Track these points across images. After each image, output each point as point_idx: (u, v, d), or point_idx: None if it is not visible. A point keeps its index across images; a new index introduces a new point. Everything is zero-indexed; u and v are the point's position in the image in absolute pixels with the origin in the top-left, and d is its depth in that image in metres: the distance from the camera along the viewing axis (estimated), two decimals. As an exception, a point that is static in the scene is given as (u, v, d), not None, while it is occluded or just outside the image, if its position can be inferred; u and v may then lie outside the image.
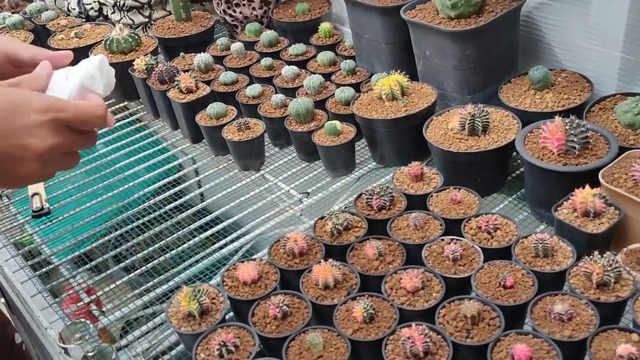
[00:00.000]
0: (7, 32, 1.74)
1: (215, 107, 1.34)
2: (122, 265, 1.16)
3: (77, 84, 0.71)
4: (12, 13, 1.90)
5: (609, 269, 0.82)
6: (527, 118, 1.12)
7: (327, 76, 1.43)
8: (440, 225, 0.99)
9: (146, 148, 1.47)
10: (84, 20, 1.88)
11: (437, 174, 1.10)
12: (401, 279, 0.89)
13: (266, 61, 1.48)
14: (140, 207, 1.28)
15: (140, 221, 1.25)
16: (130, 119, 1.58)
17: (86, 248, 1.22)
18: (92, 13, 1.87)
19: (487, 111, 1.11)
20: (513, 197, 1.13)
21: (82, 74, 0.72)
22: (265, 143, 1.35)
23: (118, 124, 1.55)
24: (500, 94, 1.20)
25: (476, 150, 1.07)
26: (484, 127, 1.09)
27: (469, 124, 1.09)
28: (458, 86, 1.23)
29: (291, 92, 1.39)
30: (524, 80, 1.22)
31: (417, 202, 1.04)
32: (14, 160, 0.65)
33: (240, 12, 1.69)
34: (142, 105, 1.59)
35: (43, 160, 0.66)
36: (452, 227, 0.98)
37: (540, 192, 1.04)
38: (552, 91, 1.17)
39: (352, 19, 1.41)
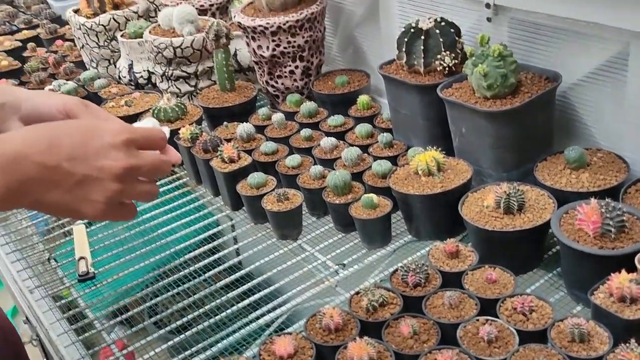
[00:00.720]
0: (62, 99, 1.84)
1: (255, 177, 1.38)
2: (161, 330, 1.19)
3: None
4: (67, 80, 2.01)
5: (646, 358, 0.82)
6: (563, 197, 1.14)
7: (364, 148, 1.46)
8: (476, 304, 1.00)
9: (191, 212, 1.52)
10: (133, 87, 1.98)
11: (472, 251, 1.12)
12: (436, 359, 0.90)
13: (305, 132, 1.53)
14: (181, 273, 1.32)
15: (181, 288, 1.29)
16: (175, 183, 1.63)
17: (123, 302, 1.26)
18: (141, 81, 1.96)
19: (522, 190, 1.13)
20: (549, 276, 1.13)
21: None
22: (303, 212, 1.39)
23: (163, 188, 1.61)
24: (536, 172, 1.22)
25: (511, 229, 1.08)
26: (520, 206, 1.11)
27: (504, 202, 1.11)
28: (494, 163, 1.25)
29: (329, 163, 1.43)
30: (560, 158, 1.24)
31: (453, 280, 1.05)
32: (92, 182, 0.69)
33: (282, 84, 1.75)
34: (186, 171, 1.65)
35: (120, 180, 0.70)
36: (488, 307, 0.99)
37: (576, 273, 1.04)
38: (588, 171, 1.18)
39: (389, 94, 1.45)
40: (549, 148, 1.30)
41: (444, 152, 1.26)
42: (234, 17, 1.71)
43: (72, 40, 2.31)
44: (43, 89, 1.99)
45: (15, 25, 2.64)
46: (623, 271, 0.93)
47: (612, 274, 0.93)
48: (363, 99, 1.61)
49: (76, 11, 2.13)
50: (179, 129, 1.57)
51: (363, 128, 1.50)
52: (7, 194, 0.66)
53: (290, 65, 1.71)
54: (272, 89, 1.78)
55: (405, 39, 1.36)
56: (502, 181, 1.19)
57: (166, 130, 0.82)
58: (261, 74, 1.78)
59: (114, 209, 0.71)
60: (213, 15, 2.01)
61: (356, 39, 1.82)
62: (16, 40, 2.46)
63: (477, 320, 0.96)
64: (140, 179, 0.73)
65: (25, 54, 2.36)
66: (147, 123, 0.82)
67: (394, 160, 1.41)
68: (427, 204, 1.21)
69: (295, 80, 1.74)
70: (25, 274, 1.36)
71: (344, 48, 1.89)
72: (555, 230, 1.04)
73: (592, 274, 0.98)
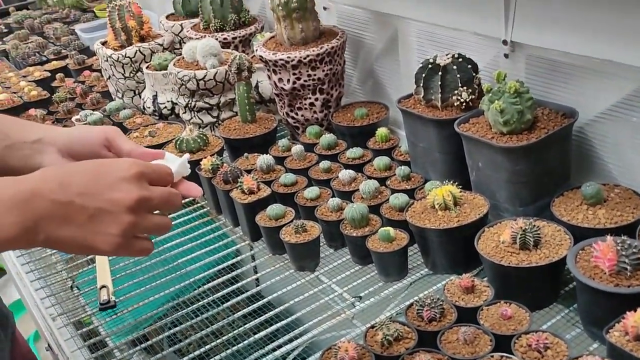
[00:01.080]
0: (88, 129, 1.89)
1: (274, 209, 1.40)
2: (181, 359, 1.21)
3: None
4: (93, 110, 2.06)
5: (661, 399, 0.81)
6: (579, 233, 1.14)
7: (382, 180, 1.48)
8: (490, 340, 1.00)
9: (213, 241, 1.55)
10: (157, 118, 2.02)
11: (488, 286, 1.12)
12: (450, 395, 0.90)
13: (324, 164, 1.56)
14: (200, 302, 1.34)
15: (200, 317, 1.31)
16: (197, 212, 1.66)
17: (143, 330, 1.28)
18: (165, 112, 2.01)
19: (538, 226, 1.13)
20: (566, 312, 1.13)
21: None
22: (321, 244, 1.40)
23: (185, 217, 1.64)
24: (552, 208, 1.22)
25: (527, 265, 1.09)
26: (535, 241, 1.11)
27: (520, 238, 1.11)
28: (510, 198, 1.26)
29: (347, 195, 1.45)
30: (577, 194, 1.24)
31: (468, 315, 1.06)
32: (104, 215, 0.72)
33: (302, 115, 1.78)
34: (207, 201, 1.68)
35: (133, 211, 0.72)
36: (502, 343, 0.99)
37: (592, 310, 1.04)
38: (604, 207, 1.18)
39: (407, 127, 1.47)
40: (566, 183, 1.30)
41: (460, 186, 1.27)
42: (256, 50, 1.75)
43: (99, 71, 2.38)
44: (70, 118, 2.05)
45: (45, 56, 2.72)
46: (639, 310, 0.93)
47: (627, 313, 0.93)
48: (381, 131, 1.63)
49: (104, 43, 2.19)
50: (201, 160, 1.61)
51: (381, 161, 1.52)
52: (23, 231, 0.68)
53: (310, 98, 1.75)
54: (292, 121, 1.81)
55: (423, 75, 1.38)
56: (518, 216, 1.19)
57: (186, 157, 0.86)
58: (282, 106, 1.81)
59: (129, 243, 0.74)
60: (236, 48, 2.06)
61: (376, 72, 1.85)
62: (45, 70, 2.53)
63: (492, 356, 0.97)
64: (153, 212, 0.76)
65: (54, 84, 2.42)
66: (179, 164, 0.85)
67: (411, 193, 1.42)
68: (444, 238, 1.22)
69: (315, 112, 1.77)
70: (48, 302, 1.40)
71: (363, 80, 1.92)
72: (571, 266, 1.05)
73: (608, 311, 0.98)
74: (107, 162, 0.75)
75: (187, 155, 0.88)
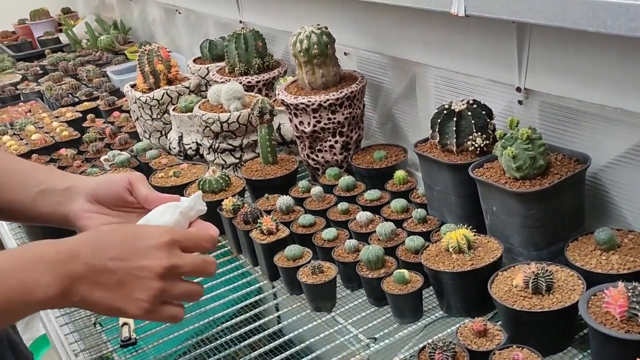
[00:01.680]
0: (115, 169, 1.96)
1: (292, 250, 1.44)
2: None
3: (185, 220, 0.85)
4: (121, 150, 2.13)
5: None
6: (592, 279, 1.15)
7: (399, 222, 1.51)
8: (502, 385, 1.01)
9: (235, 280, 1.58)
10: (182, 158, 2.09)
11: (500, 330, 1.13)
12: None
13: (343, 205, 1.59)
14: (222, 339, 1.37)
15: (221, 354, 1.33)
16: (220, 251, 1.70)
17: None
18: (190, 152, 2.07)
19: (551, 271, 1.14)
20: (580, 357, 1.13)
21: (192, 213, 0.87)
22: (338, 284, 1.43)
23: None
24: (566, 252, 1.24)
25: (540, 310, 1.10)
26: (548, 286, 1.13)
27: (532, 282, 1.13)
28: (524, 242, 1.28)
29: (364, 237, 1.48)
30: (591, 239, 1.25)
31: (480, 359, 1.07)
32: (134, 280, 0.75)
33: (322, 157, 1.83)
34: (227, 241, 1.72)
35: (162, 278, 0.76)
36: (514, 388, 1.00)
37: (604, 356, 1.04)
38: (618, 253, 1.19)
39: (424, 171, 1.50)
40: (580, 228, 1.31)
41: (475, 230, 1.29)
42: (278, 94, 1.81)
43: (128, 112, 2.46)
44: (99, 158, 2.12)
45: (78, 97, 2.83)
46: (649, 357, 0.93)
47: (638, 359, 0.93)
48: (399, 174, 1.67)
49: (133, 86, 2.28)
50: (223, 200, 1.65)
51: (398, 203, 1.55)
52: (60, 292, 0.72)
53: (330, 140, 1.79)
54: (312, 162, 1.86)
55: (439, 120, 1.42)
56: (532, 260, 1.21)
57: (199, 194, 0.91)
58: (302, 148, 1.86)
59: (158, 309, 0.77)
60: (260, 91, 2.13)
61: (394, 115, 1.90)
62: (77, 111, 2.63)
63: (503, 401, 0.97)
64: (184, 278, 0.79)
65: (84, 124, 2.51)
66: (191, 199, 0.90)
67: (427, 235, 1.44)
68: (457, 281, 1.24)
69: (335, 154, 1.82)
70: (72, 337, 1.44)
71: (383, 123, 1.96)
72: (583, 312, 1.05)
73: (619, 357, 0.98)
74: (141, 228, 0.79)
75: (199, 193, 0.92)
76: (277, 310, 1.50)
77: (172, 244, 0.76)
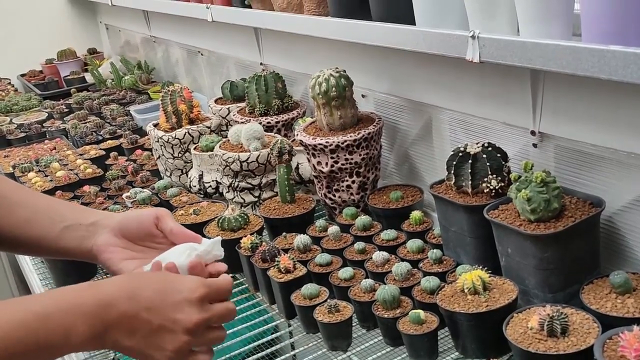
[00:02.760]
0: (137, 207, 2.00)
1: (309, 288, 1.46)
2: None
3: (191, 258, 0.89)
4: (143, 188, 2.18)
5: None
6: (607, 322, 1.15)
7: (415, 263, 1.52)
8: None
9: (251, 317, 1.60)
10: (202, 196, 2.13)
11: (516, 372, 1.13)
12: None
13: (359, 245, 1.61)
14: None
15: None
16: (238, 289, 1.72)
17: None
18: (209, 190, 2.11)
19: (566, 313, 1.15)
20: (596, 401, 1.13)
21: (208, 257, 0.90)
22: (354, 324, 1.44)
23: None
24: (582, 295, 1.24)
25: (555, 353, 1.10)
26: (563, 329, 1.13)
27: (547, 325, 1.13)
28: (539, 284, 1.28)
29: (380, 277, 1.49)
30: (606, 282, 1.26)
31: (495, 401, 1.07)
32: (165, 332, 0.79)
33: (339, 197, 1.85)
34: (245, 278, 1.74)
35: (191, 333, 0.80)
36: None
37: (620, 401, 1.04)
38: (633, 296, 1.19)
39: (439, 212, 1.52)
40: (595, 270, 1.32)
41: (490, 271, 1.30)
42: (297, 135, 1.85)
43: (150, 150, 2.52)
44: (121, 195, 2.16)
45: (101, 135, 2.90)
46: (665, 402, 0.93)
47: (654, 405, 0.93)
48: (415, 214, 1.68)
49: (156, 125, 2.34)
50: (241, 238, 1.68)
51: (414, 244, 1.56)
52: (94, 337, 0.77)
53: (347, 180, 1.82)
54: (329, 202, 1.88)
55: (454, 162, 1.45)
56: (548, 302, 1.22)
57: (218, 239, 0.94)
58: (320, 187, 1.89)
59: (185, 357, 0.81)
60: (279, 131, 2.17)
61: (411, 156, 1.93)
62: (101, 149, 2.69)
63: None
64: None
65: (108, 162, 2.57)
66: (210, 243, 0.93)
67: (443, 276, 1.45)
68: (473, 322, 1.24)
69: (352, 194, 1.84)
70: (91, 372, 1.46)
71: (399, 163, 1.99)
72: (599, 356, 1.06)
73: (635, 403, 0.98)
74: (176, 279, 0.83)
75: (218, 238, 0.96)
76: (293, 349, 1.51)
77: (203, 298, 0.81)
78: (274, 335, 1.57)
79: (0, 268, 3.33)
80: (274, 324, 1.59)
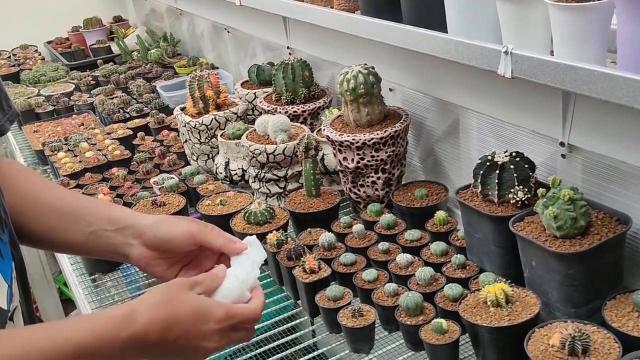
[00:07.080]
0: (165, 193, 2.03)
1: (333, 290, 1.49)
2: None
3: (244, 289, 0.93)
4: (169, 172, 2.22)
5: None
6: (629, 341, 1.17)
7: (438, 266, 1.54)
8: None
9: (275, 314, 1.64)
10: (228, 182, 2.15)
11: (535, 390, 1.16)
12: None
13: (383, 245, 1.63)
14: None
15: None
16: (264, 281, 1.77)
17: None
18: (235, 178, 2.14)
19: (587, 333, 1.17)
20: (613, 420, 1.15)
21: (251, 280, 0.95)
22: (377, 325, 1.47)
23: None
24: (604, 311, 1.26)
25: (575, 373, 1.12)
26: (584, 349, 1.15)
27: (569, 344, 1.15)
28: (562, 299, 1.30)
29: (404, 280, 1.52)
30: (629, 298, 1.27)
31: (514, 419, 1.10)
32: (190, 353, 0.88)
33: (364, 192, 1.87)
34: (270, 271, 1.78)
35: (207, 354, 0.89)
36: None
37: None
38: (656, 317, 1.21)
39: (464, 218, 1.54)
40: (619, 285, 1.33)
41: (512, 284, 1.32)
42: (324, 130, 1.86)
43: (177, 130, 2.54)
44: (149, 179, 2.20)
45: (128, 113, 2.92)
46: None
47: None
48: (440, 215, 1.70)
49: (183, 109, 2.36)
50: (267, 233, 1.71)
51: (438, 247, 1.58)
52: None
53: (372, 176, 1.83)
54: (354, 196, 1.90)
55: (481, 171, 1.45)
56: (570, 316, 1.23)
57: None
58: (345, 182, 1.91)
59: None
60: (305, 120, 2.18)
61: (437, 152, 1.93)
62: (128, 128, 2.72)
63: None
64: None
65: (135, 142, 2.60)
66: (252, 248, 0.99)
67: (466, 282, 1.47)
68: (495, 336, 1.27)
69: (376, 189, 1.86)
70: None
71: (424, 159, 2.00)
72: (618, 379, 1.08)
73: None
74: (207, 310, 0.88)
75: (264, 254, 1.02)
76: (316, 348, 1.55)
77: (229, 329, 0.88)
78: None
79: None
80: (298, 321, 1.63)
